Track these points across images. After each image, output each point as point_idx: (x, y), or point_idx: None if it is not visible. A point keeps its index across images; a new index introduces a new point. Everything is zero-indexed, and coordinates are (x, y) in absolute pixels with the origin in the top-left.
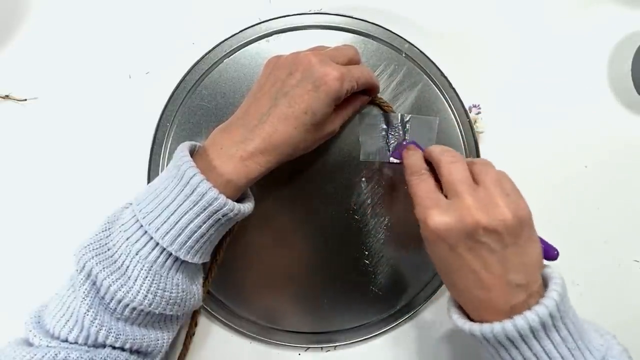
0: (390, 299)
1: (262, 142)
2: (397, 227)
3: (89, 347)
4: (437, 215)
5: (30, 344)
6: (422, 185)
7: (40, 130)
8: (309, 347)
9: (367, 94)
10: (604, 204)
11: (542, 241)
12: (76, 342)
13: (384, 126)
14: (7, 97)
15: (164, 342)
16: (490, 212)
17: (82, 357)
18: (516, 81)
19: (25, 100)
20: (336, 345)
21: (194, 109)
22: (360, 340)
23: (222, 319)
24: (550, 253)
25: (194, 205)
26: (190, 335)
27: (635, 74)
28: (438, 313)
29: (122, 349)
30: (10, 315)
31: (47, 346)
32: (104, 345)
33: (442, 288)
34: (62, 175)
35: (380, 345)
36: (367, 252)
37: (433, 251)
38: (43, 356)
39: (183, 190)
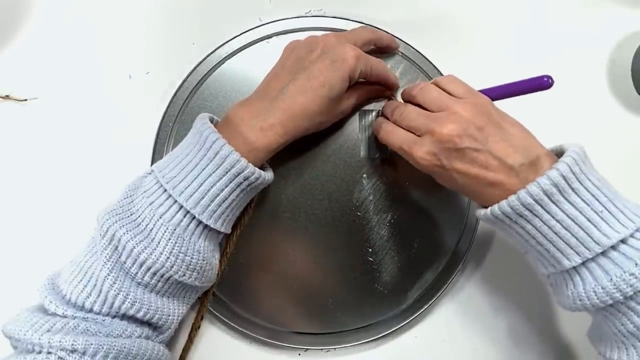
0: (395, 298)
1: (282, 114)
2: (401, 223)
3: (104, 315)
4: (419, 149)
5: (45, 311)
6: (392, 134)
7: (40, 130)
8: (308, 349)
9: (388, 89)
10: None
11: (529, 80)
12: (92, 310)
13: None
14: (7, 97)
15: (174, 318)
16: (451, 121)
17: (100, 332)
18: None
19: (25, 100)
20: (336, 348)
21: (197, 109)
22: (364, 343)
23: (224, 319)
24: (542, 83)
25: (217, 168)
26: (195, 328)
27: (635, 74)
28: (440, 313)
29: (137, 320)
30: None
31: (64, 315)
32: (119, 314)
33: (445, 288)
34: (62, 175)
35: (382, 343)
36: (370, 250)
37: (435, 177)
38: (63, 326)
39: (206, 154)
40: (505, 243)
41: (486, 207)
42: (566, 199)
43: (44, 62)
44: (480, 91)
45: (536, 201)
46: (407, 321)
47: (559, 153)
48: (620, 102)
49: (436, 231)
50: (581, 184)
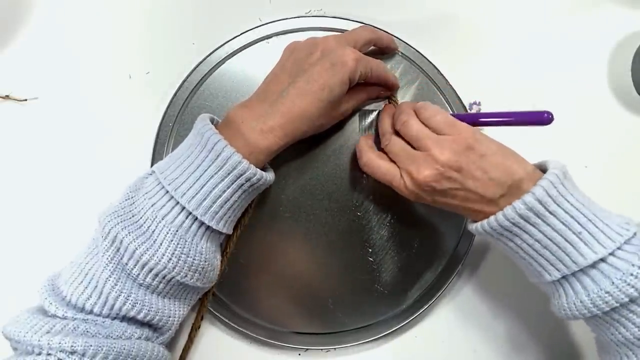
0: (395, 298)
1: (281, 117)
2: (400, 224)
3: (104, 317)
4: (402, 187)
5: (45, 312)
6: (373, 167)
7: (40, 130)
8: (308, 349)
9: (388, 90)
10: (603, 204)
11: (529, 113)
12: (92, 311)
13: None
14: (7, 97)
15: (175, 320)
16: (428, 165)
17: (100, 333)
18: (516, 81)
19: (25, 100)
20: (336, 348)
21: (197, 110)
22: (364, 343)
23: (224, 319)
24: (542, 119)
25: (219, 170)
26: (195, 328)
27: (635, 74)
28: (439, 313)
29: (137, 322)
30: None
31: (64, 317)
32: (120, 316)
33: (445, 289)
34: (62, 176)
35: (382, 343)
36: (370, 250)
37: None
38: (63, 328)
39: (208, 155)
40: None
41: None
42: (544, 221)
43: (44, 62)
44: (474, 116)
45: (513, 223)
46: (407, 321)
47: (543, 169)
48: (620, 102)
49: (436, 232)
50: (559, 206)
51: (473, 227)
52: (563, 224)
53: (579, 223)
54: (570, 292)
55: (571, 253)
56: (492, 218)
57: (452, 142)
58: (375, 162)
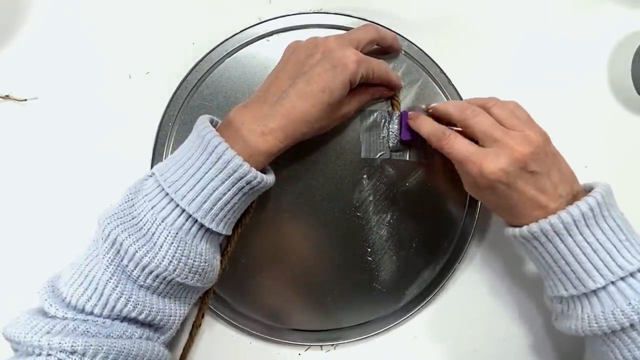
0: (392, 296)
1: (282, 119)
2: (399, 224)
3: (105, 318)
4: (491, 164)
5: (45, 313)
6: (458, 144)
7: (40, 130)
8: (310, 347)
9: (391, 90)
10: None
11: None
12: (92, 313)
13: (384, 124)
14: (7, 97)
15: (176, 319)
16: (528, 142)
17: (100, 333)
18: (516, 81)
19: (25, 100)
20: (336, 345)
21: (196, 109)
22: (363, 338)
23: (225, 317)
24: None
25: (220, 173)
26: (196, 326)
27: (635, 74)
28: (438, 313)
29: (138, 322)
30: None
31: (64, 317)
32: (120, 317)
33: (442, 288)
34: (62, 176)
35: (382, 344)
36: (369, 249)
37: (491, 195)
38: (63, 328)
39: (209, 158)
40: (500, 244)
41: (517, 226)
42: (597, 224)
43: (44, 62)
44: None
45: (574, 221)
46: (404, 318)
47: (588, 189)
48: (620, 102)
49: (434, 232)
50: (610, 213)
51: (524, 229)
52: (612, 230)
53: (623, 232)
54: (607, 301)
55: (617, 258)
56: (553, 217)
57: (540, 131)
58: (458, 139)
